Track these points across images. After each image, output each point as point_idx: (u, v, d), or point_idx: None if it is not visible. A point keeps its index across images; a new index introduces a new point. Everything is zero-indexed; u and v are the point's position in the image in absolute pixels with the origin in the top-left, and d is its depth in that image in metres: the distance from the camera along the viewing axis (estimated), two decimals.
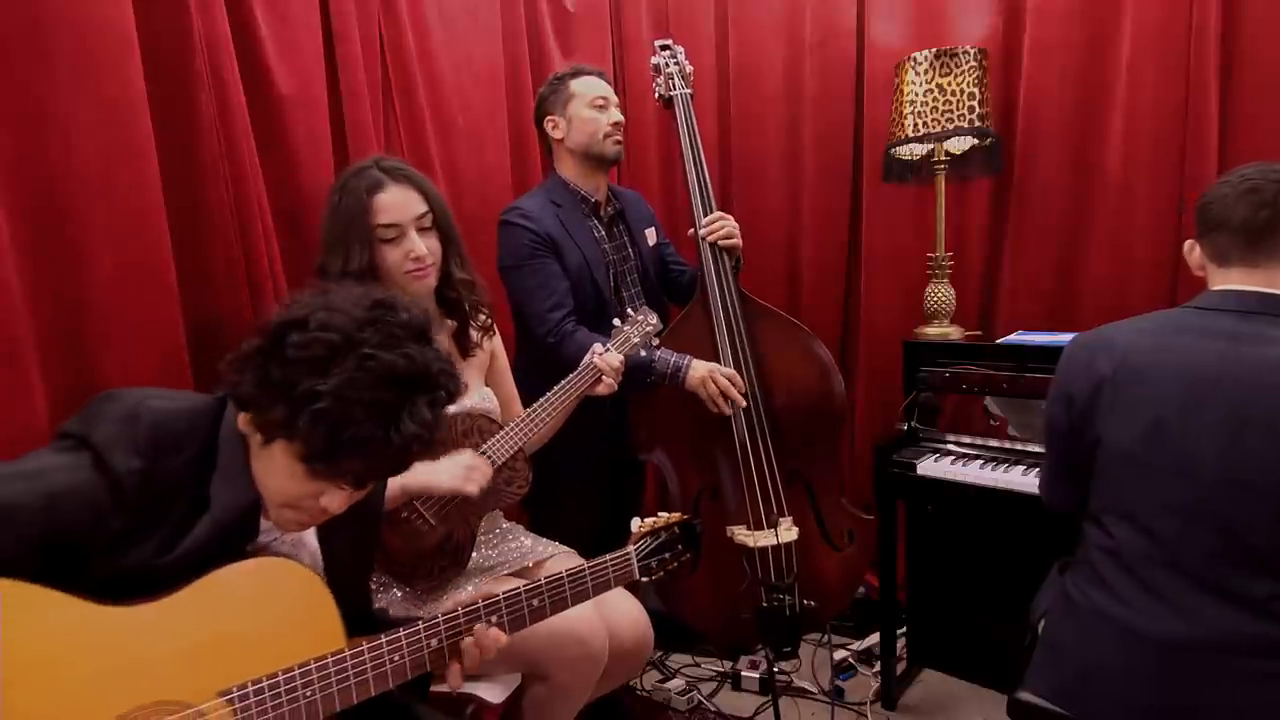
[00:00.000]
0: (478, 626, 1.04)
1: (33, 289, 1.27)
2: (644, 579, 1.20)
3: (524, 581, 1.11)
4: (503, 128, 2.25)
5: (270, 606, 0.92)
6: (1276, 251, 1.16)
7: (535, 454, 1.62)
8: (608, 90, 1.92)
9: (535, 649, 1.37)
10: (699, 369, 1.75)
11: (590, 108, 1.89)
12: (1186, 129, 1.99)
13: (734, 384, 1.76)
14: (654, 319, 1.60)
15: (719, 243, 1.85)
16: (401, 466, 0.91)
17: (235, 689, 0.88)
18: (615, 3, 2.60)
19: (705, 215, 1.87)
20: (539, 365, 1.73)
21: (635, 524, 1.24)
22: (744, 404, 1.78)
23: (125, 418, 0.87)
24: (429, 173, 2.15)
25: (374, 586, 1.43)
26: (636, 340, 1.56)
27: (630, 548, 1.19)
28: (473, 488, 1.38)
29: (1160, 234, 2.06)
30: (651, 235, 2.07)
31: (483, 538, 1.55)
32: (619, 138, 1.92)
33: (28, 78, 1.27)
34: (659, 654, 2.33)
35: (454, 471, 1.37)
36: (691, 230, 1.90)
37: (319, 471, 0.87)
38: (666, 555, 1.23)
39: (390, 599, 1.42)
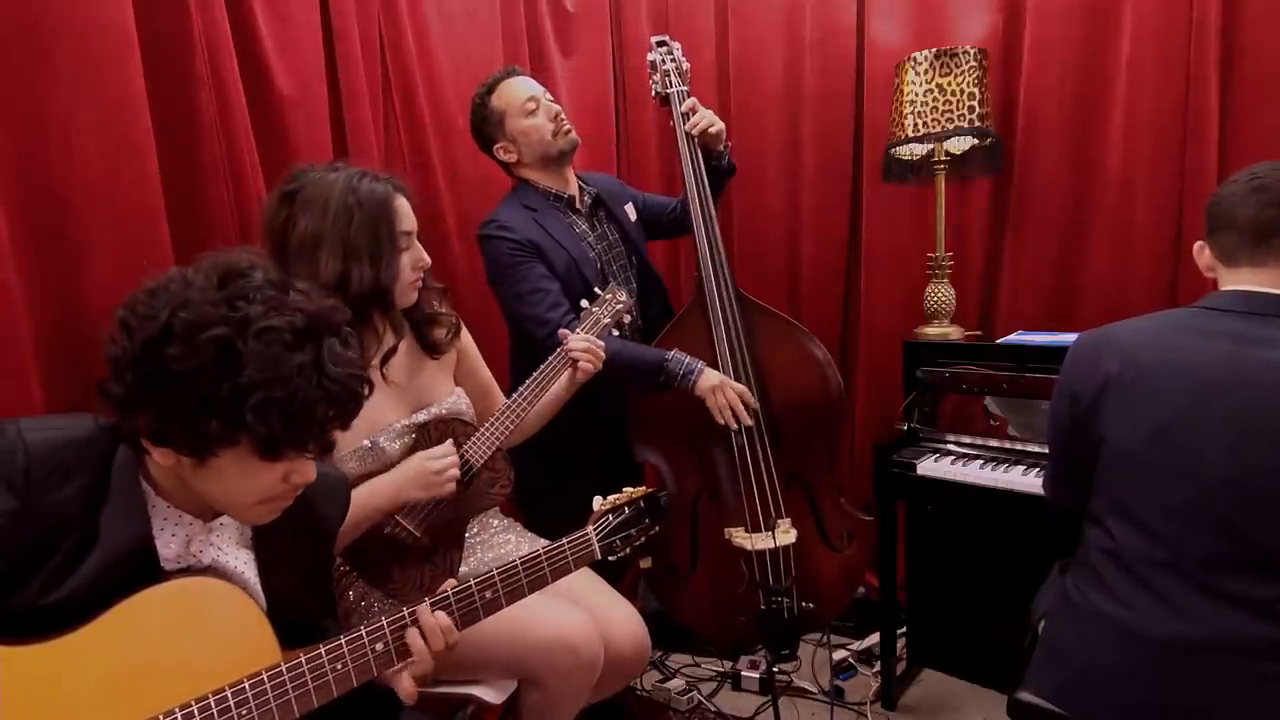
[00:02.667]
0: (421, 612, 0.97)
1: (33, 289, 1.28)
2: (609, 558, 1.13)
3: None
4: None
5: (196, 627, 0.87)
6: None
7: (534, 453, 1.60)
8: (530, 88, 1.83)
9: (526, 657, 1.35)
10: (711, 376, 1.72)
11: (524, 116, 1.81)
12: (1187, 124, 1.99)
13: (744, 400, 1.72)
14: (623, 296, 1.54)
15: (695, 133, 1.83)
16: (352, 406, 0.87)
17: (163, 716, 0.83)
18: (615, 2, 2.60)
19: (704, 218, 1.83)
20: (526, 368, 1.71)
21: (597, 502, 1.17)
22: (750, 422, 1.73)
23: None
24: (429, 173, 2.17)
25: (367, 604, 1.41)
26: (607, 320, 1.51)
27: (590, 527, 1.12)
28: (448, 486, 1.33)
29: (1161, 229, 2.06)
30: (632, 211, 2.03)
31: (476, 540, 1.52)
32: (567, 127, 1.84)
33: (28, 78, 1.27)
34: (659, 654, 2.33)
35: (422, 479, 1.32)
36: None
37: (281, 456, 0.84)
38: (632, 531, 1.15)
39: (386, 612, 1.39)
